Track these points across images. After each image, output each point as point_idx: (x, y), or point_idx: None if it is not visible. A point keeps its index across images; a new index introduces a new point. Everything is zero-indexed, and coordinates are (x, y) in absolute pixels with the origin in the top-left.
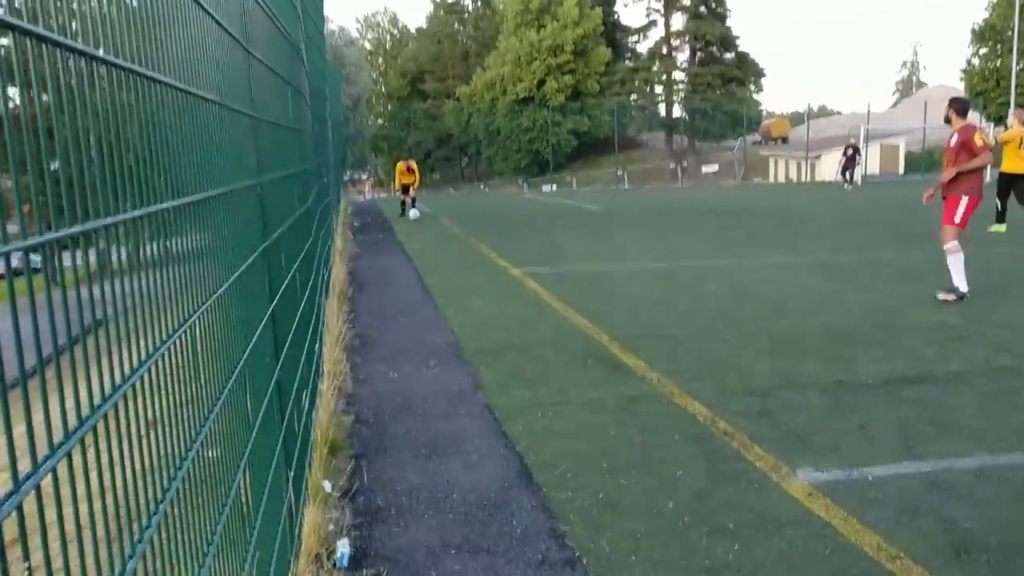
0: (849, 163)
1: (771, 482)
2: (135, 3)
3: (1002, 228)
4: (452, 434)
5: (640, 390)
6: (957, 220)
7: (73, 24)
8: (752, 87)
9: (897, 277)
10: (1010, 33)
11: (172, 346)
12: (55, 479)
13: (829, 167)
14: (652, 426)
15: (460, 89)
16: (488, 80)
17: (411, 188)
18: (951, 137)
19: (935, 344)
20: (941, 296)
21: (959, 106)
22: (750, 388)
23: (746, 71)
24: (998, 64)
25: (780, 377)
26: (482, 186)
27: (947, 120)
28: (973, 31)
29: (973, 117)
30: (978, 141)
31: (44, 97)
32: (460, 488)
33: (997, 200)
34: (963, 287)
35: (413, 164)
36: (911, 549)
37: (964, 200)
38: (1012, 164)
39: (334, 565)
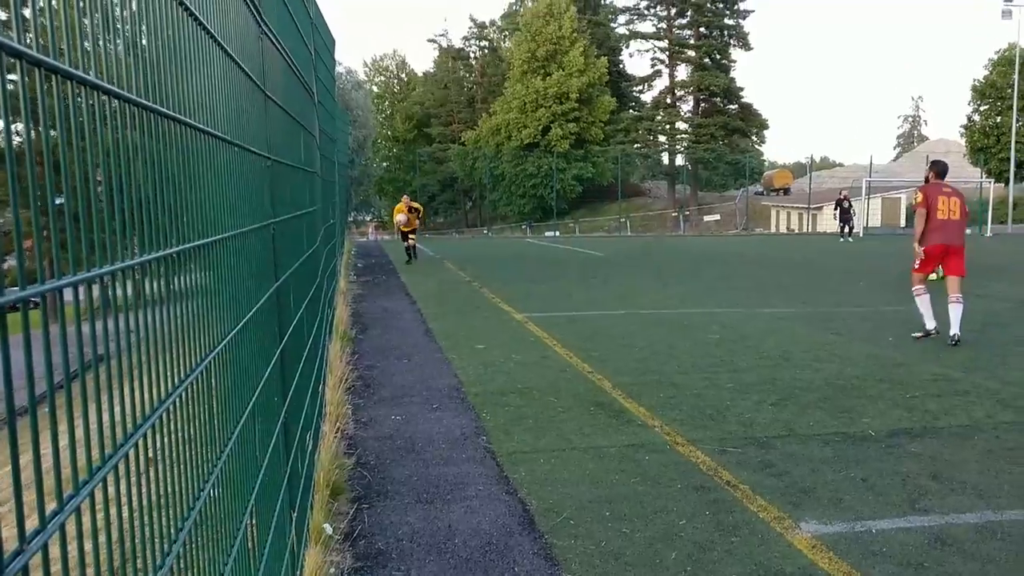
0: (845, 215)
1: (774, 534)
2: (154, 41)
3: (933, 276)
4: (454, 479)
5: (642, 438)
6: (915, 266)
7: (86, 61)
8: (755, 138)
9: (898, 329)
10: (1010, 91)
11: (190, 385)
12: (75, 524)
13: (830, 218)
14: (654, 474)
15: (466, 134)
16: (494, 125)
17: (411, 235)
18: None
19: (938, 398)
20: (915, 335)
21: (935, 168)
22: (753, 438)
23: (749, 122)
24: (998, 120)
25: (783, 427)
26: (486, 230)
27: (927, 180)
28: (974, 88)
29: (975, 173)
30: (917, 199)
31: (53, 132)
32: (461, 533)
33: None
34: (929, 324)
35: (415, 204)
36: None
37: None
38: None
39: None
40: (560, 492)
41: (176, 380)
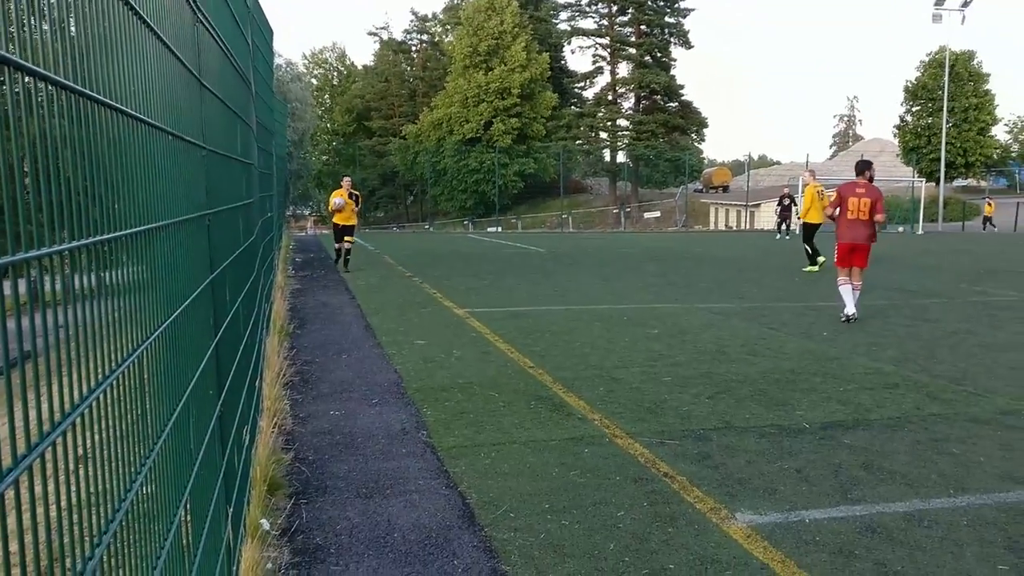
0: (785, 213)
1: (711, 524)
2: (82, 25)
3: (815, 268)
4: (394, 473)
5: (582, 431)
6: (835, 260)
7: (10, 44)
8: (694, 136)
9: (832, 324)
10: (940, 93)
11: (119, 377)
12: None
13: (768, 216)
14: (594, 467)
15: (407, 128)
16: (435, 119)
17: (348, 237)
18: None
19: (870, 391)
20: (841, 319)
21: (856, 166)
22: (690, 430)
23: (689, 120)
24: (929, 121)
25: (720, 420)
26: (427, 225)
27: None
28: (906, 89)
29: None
30: (831, 197)
31: None
32: (401, 527)
33: (805, 246)
34: (848, 310)
35: (356, 191)
36: None
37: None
38: (813, 216)
39: None
40: (500, 485)
41: (107, 371)
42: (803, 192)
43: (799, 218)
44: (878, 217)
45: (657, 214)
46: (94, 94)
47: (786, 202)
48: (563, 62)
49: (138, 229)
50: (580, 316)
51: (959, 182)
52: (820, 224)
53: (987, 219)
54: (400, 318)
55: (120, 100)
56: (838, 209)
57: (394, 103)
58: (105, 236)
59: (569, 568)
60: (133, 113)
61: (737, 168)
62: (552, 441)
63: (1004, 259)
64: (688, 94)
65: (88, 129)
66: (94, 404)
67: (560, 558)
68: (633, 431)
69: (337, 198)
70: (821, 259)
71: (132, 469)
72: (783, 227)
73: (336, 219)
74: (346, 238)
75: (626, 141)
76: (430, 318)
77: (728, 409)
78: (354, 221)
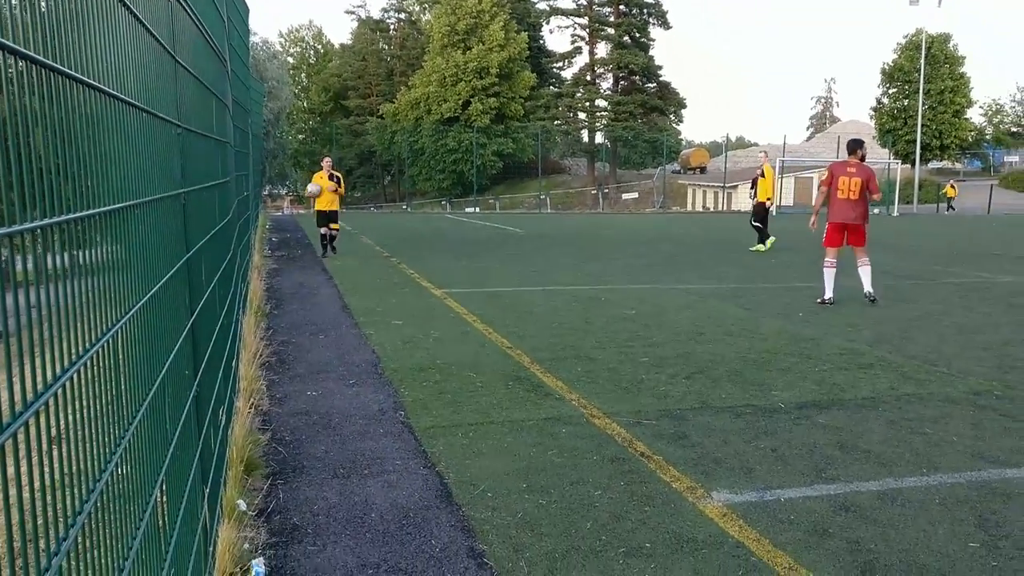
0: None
1: (687, 503)
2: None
3: (762, 248)
4: (371, 453)
5: (560, 411)
6: (824, 240)
7: None
8: (673, 117)
9: (808, 305)
10: (916, 75)
11: (92, 357)
12: None
13: (745, 197)
14: (571, 447)
15: (384, 107)
16: (413, 99)
17: (335, 219)
18: None
19: (845, 371)
20: (818, 300)
21: (847, 145)
22: (667, 410)
23: (667, 100)
24: (905, 104)
25: (696, 400)
26: (405, 206)
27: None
28: (883, 71)
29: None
30: (822, 176)
31: None
32: (378, 507)
33: (756, 224)
34: (826, 294)
35: (338, 172)
36: (820, 569)
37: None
38: (764, 195)
39: None
40: (478, 465)
41: (81, 350)
42: (763, 173)
43: (753, 199)
44: (875, 196)
45: (635, 195)
46: (67, 70)
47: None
48: (541, 42)
49: (112, 207)
50: (558, 297)
51: (934, 164)
52: (769, 204)
53: (949, 201)
54: (378, 298)
55: (93, 76)
56: (828, 188)
57: (371, 82)
58: (78, 214)
59: (546, 547)
60: (106, 90)
61: (715, 149)
62: (530, 421)
63: (976, 241)
64: (666, 75)
65: (61, 106)
66: (67, 384)
67: (537, 537)
68: (610, 411)
69: (312, 185)
70: (771, 239)
71: (107, 450)
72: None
73: (318, 205)
74: (330, 224)
75: (604, 122)
76: (408, 298)
77: (704, 389)
78: (337, 206)
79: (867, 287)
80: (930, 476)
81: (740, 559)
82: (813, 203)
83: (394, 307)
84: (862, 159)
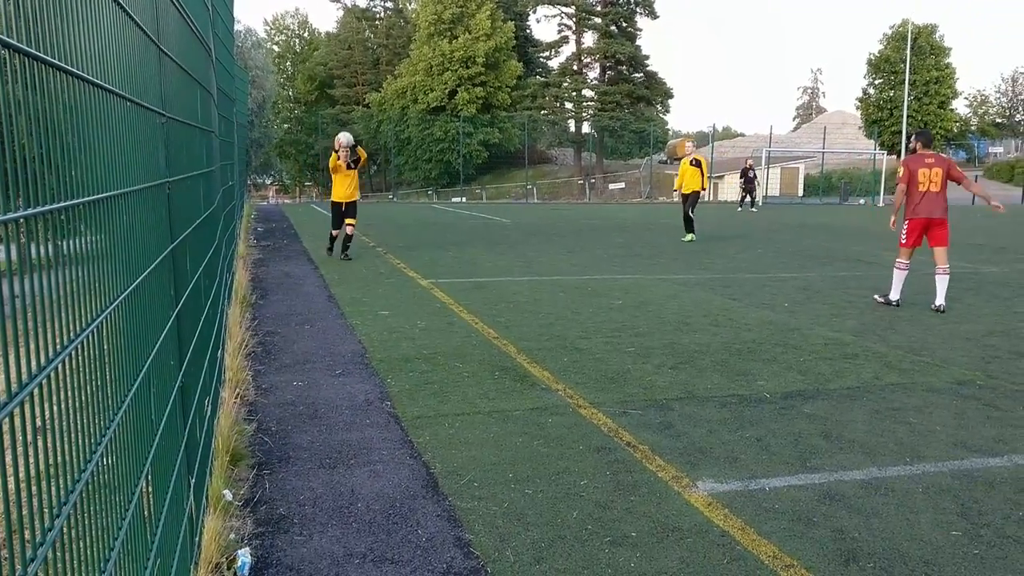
0: (749, 185)
1: (672, 492)
2: None
3: (690, 237)
4: (357, 443)
5: (546, 401)
6: (901, 240)
7: None
8: (659, 107)
9: (794, 295)
10: (903, 66)
11: (77, 348)
12: None
13: (732, 188)
14: (557, 437)
15: (370, 96)
16: (399, 88)
17: (354, 213)
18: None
19: (829, 361)
20: (877, 297)
21: (921, 139)
22: (653, 400)
23: (654, 90)
24: (891, 94)
25: (682, 390)
26: (391, 196)
27: (913, 151)
28: (869, 61)
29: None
30: (899, 173)
31: None
32: (365, 497)
33: (689, 213)
34: (893, 296)
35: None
36: (804, 558)
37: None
38: (691, 185)
39: (235, 574)
40: (464, 455)
41: (63, 343)
42: (697, 163)
43: (675, 189)
44: (965, 183)
45: (622, 185)
46: (49, 58)
47: (751, 174)
48: (528, 31)
49: (96, 197)
50: (544, 287)
51: None
52: (699, 193)
53: None
54: (364, 289)
55: (76, 65)
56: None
57: (357, 71)
58: (62, 204)
59: (532, 536)
60: (90, 78)
61: (701, 139)
62: (516, 411)
63: (960, 231)
64: (653, 64)
65: (44, 95)
66: (52, 375)
67: (523, 527)
68: (596, 401)
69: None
70: (691, 235)
71: (92, 440)
72: (747, 199)
73: (334, 194)
74: (347, 221)
75: (591, 112)
76: (394, 289)
77: (690, 379)
78: (357, 196)
79: (940, 299)
80: (914, 465)
81: (725, 548)
82: (894, 202)
83: (380, 297)
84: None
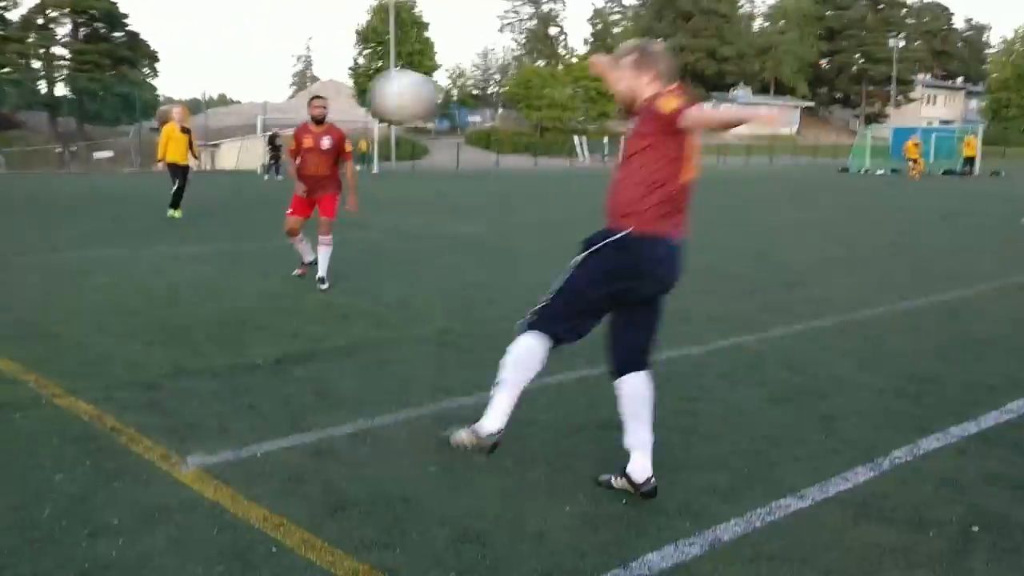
0: (275, 153)
1: (160, 472)
2: None
3: (177, 213)
4: None
5: (13, 395)
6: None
7: None
8: (147, 71)
9: (286, 264)
10: (388, 37)
11: None
12: None
13: (230, 156)
14: (29, 433)
15: None
16: None
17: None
18: None
19: (322, 323)
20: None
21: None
22: (140, 380)
23: (138, 52)
24: (380, 64)
25: (172, 366)
26: None
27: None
28: (357, 32)
29: (361, 113)
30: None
31: None
32: None
33: (179, 187)
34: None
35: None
36: (294, 514)
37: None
38: (175, 155)
39: None
40: None
41: None
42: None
43: (159, 159)
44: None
45: (110, 153)
46: None
47: (277, 142)
48: None
49: None
50: (12, 270)
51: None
52: (187, 165)
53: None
54: None
55: None
56: None
57: None
58: None
59: None
60: None
61: (195, 106)
62: None
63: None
64: (135, 25)
65: None
66: None
67: None
68: (76, 388)
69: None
70: (176, 212)
71: None
72: (272, 168)
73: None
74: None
75: (65, 72)
76: None
77: (181, 354)
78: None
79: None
80: (398, 413)
81: (215, 518)
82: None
83: None
84: None
